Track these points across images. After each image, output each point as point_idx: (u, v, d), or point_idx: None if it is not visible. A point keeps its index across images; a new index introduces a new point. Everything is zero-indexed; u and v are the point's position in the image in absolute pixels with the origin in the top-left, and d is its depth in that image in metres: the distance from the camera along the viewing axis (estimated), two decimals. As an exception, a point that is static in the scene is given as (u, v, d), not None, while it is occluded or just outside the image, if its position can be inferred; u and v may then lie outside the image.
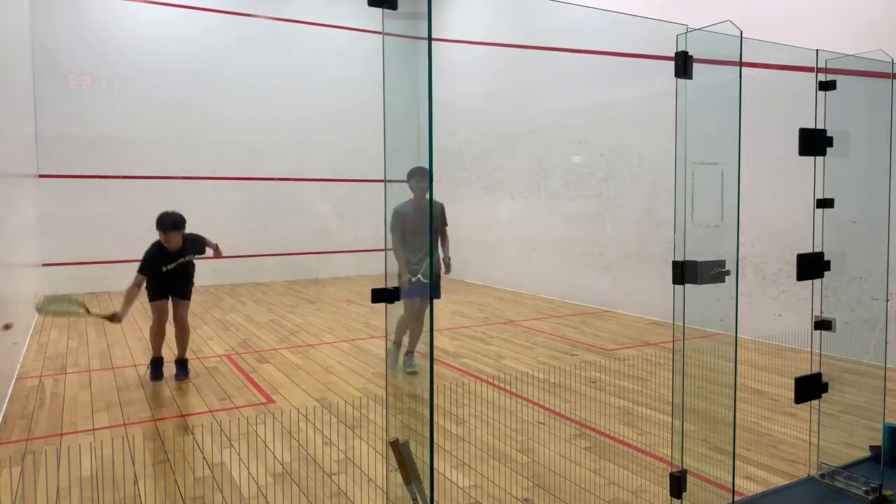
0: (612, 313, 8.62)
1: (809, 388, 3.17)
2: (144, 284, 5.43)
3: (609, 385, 5.22)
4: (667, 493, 3.01)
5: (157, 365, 5.51)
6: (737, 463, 3.40)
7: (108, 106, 10.62)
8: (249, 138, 11.72)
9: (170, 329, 5.57)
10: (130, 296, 5.28)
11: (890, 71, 3.35)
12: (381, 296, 2.34)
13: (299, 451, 3.86)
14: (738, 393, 3.03)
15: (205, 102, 11.39)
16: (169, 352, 5.68)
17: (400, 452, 2.37)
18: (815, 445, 3.39)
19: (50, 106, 10.17)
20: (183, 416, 4.55)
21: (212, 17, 11.42)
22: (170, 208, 5.69)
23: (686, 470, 2.84)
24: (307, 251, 12.37)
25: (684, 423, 2.85)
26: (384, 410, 4.38)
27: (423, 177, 5.12)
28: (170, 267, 5.47)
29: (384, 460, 3.57)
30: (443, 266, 5.87)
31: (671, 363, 2.96)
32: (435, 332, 2.41)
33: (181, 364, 5.60)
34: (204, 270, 11.29)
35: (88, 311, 4.94)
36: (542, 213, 10.28)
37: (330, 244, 12.65)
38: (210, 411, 4.64)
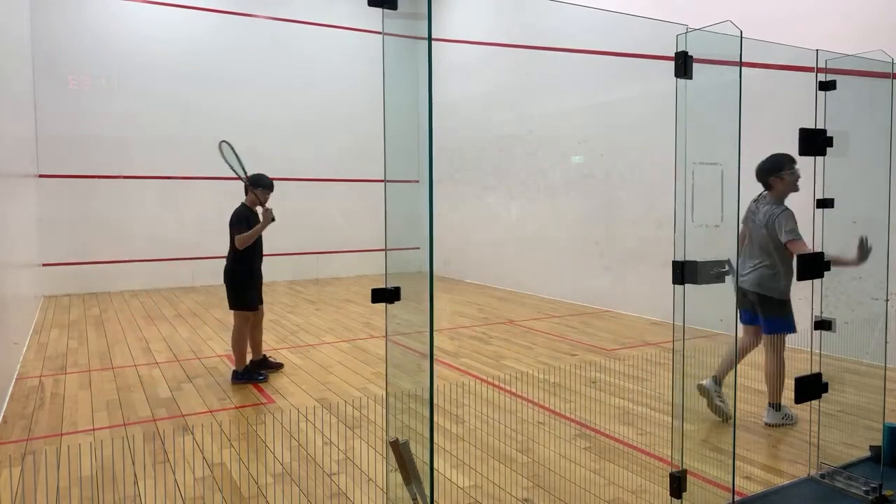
0: (612, 313, 8.62)
1: (809, 388, 3.18)
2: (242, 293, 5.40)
3: (609, 385, 5.22)
4: (667, 493, 3.01)
5: (261, 363, 5.51)
6: (737, 463, 3.40)
7: (107, 106, 10.62)
8: (249, 138, 11.68)
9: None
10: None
11: (890, 71, 3.35)
12: (381, 296, 2.34)
13: (299, 451, 3.86)
14: (738, 393, 3.03)
15: (205, 102, 11.39)
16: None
17: (400, 452, 2.37)
18: (815, 445, 3.39)
19: (50, 106, 10.17)
20: (183, 416, 4.55)
21: (212, 17, 11.42)
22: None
23: (686, 470, 2.84)
24: (307, 251, 12.38)
25: (684, 423, 2.85)
26: (384, 410, 4.38)
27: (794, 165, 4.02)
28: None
29: (384, 460, 3.57)
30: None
31: (671, 363, 2.97)
32: (435, 332, 2.41)
33: (263, 363, 5.61)
34: (203, 270, 11.35)
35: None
36: (542, 213, 10.27)
37: (330, 244, 12.66)
38: (210, 411, 4.64)
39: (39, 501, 3.23)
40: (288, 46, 12.15)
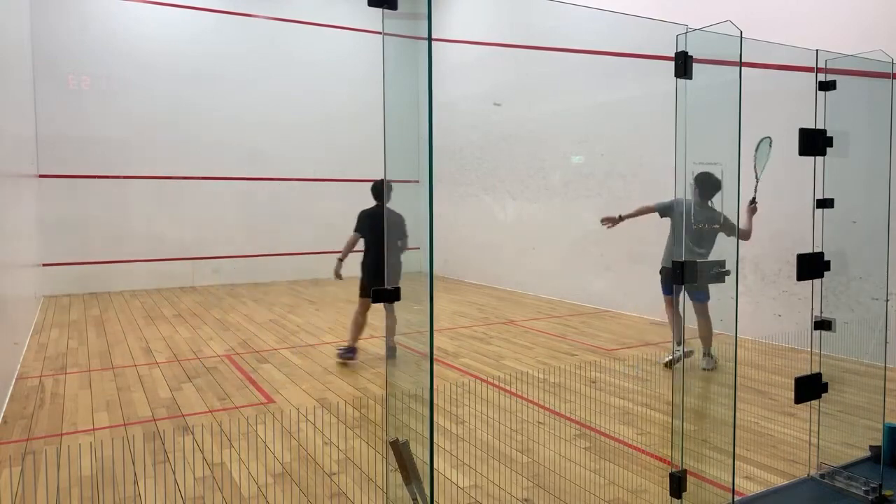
0: (612, 313, 8.62)
1: (809, 388, 3.17)
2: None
3: (609, 385, 5.22)
4: (667, 493, 3.01)
5: (354, 350, 6.02)
6: (737, 463, 3.40)
7: (108, 106, 10.62)
8: (249, 138, 11.72)
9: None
10: (349, 245, 6.02)
11: (890, 71, 3.35)
12: (382, 296, 2.34)
13: (299, 451, 3.86)
14: (738, 393, 3.03)
15: (204, 102, 11.39)
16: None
17: (400, 452, 2.37)
18: (815, 445, 3.39)
19: (50, 106, 10.17)
20: (183, 416, 4.55)
21: (212, 17, 11.42)
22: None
23: (686, 470, 2.84)
24: (308, 251, 12.37)
25: (684, 423, 2.85)
26: (384, 410, 4.38)
27: None
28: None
29: (384, 460, 3.57)
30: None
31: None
32: (435, 332, 2.41)
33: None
34: (204, 270, 11.36)
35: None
36: (542, 213, 10.27)
37: (331, 244, 12.64)
38: (210, 411, 4.64)
39: (39, 501, 3.23)
40: (287, 46, 12.15)
